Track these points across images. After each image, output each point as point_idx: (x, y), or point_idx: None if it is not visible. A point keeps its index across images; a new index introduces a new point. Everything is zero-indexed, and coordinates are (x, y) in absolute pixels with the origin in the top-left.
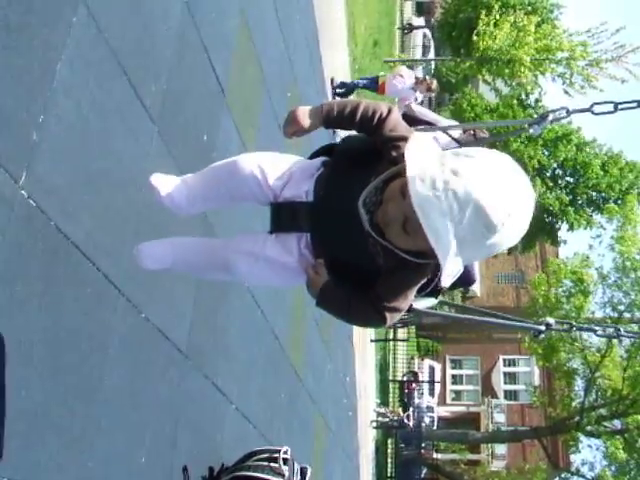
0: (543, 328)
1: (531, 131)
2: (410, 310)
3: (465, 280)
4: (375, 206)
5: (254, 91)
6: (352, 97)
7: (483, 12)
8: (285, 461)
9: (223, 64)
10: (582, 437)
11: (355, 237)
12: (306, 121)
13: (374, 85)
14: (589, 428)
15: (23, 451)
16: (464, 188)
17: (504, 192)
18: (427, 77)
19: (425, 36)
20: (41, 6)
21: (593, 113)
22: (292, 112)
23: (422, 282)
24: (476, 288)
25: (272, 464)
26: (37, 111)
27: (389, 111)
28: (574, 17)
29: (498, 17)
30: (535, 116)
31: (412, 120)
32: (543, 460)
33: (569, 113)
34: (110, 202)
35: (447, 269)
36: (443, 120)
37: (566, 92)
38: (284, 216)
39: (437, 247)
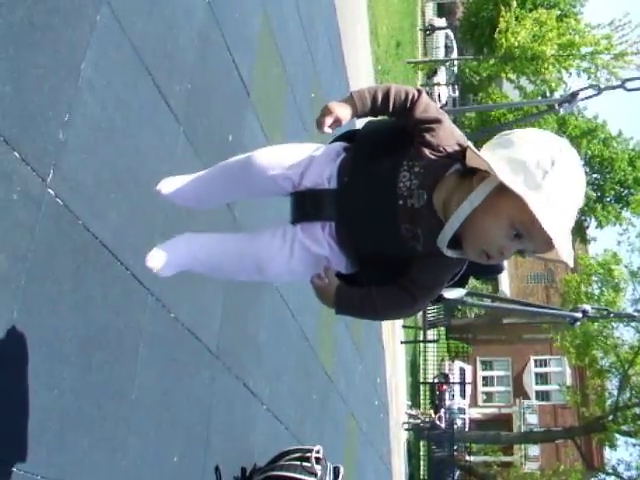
0: (580, 315)
1: (561, 111)
2: (440, 299)
3: (493, 269)
4: (410, 190)
5: (278, 91)
6: None
7: (503, 9)
8: (317, 460)
9: (247, 64)
10: (618, 436)
11: (384, 224)
12: (342, 112)
13: None
14: (624, 427)
15: (56, 450)
16: (561, 172)
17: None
18: None
19: (447, 37)
20: (65, 5)
21: (625, 89)
22: (327, 106)
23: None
24: (506, 289)
25: (304, 463)
26: (63, 110)
27: (419, 92)
28: (596, 9)
29: (518, 13)
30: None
31: None
32: (577, 461)
33: (600, 90)
34: (137, 201)
35: (568, 257)
36: None
37: (592, 87)
38: (307, 205)
39: (561, 249)
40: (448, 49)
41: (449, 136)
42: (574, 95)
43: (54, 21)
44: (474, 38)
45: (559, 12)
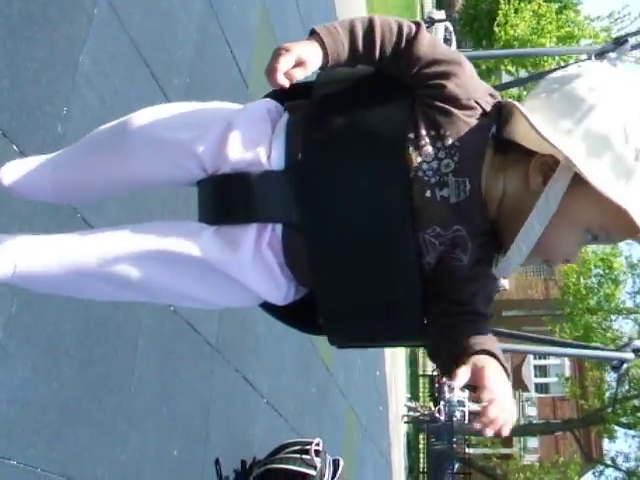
0: (631, 356)
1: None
2: None
3: None
4: (441, 175)
5: None
6: None
7: (502, 1)
8: (317, 453)
9: (245, 57)
10: (616, 428)
11: (385, 229)
12: (307, 52)
13: None
14: (623, 419)
15: (56, 443)
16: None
17: None
18: None
19: (447, 30)
20: None
21: None
22: (280, 46)
23: None
24: (505, 282)
25: (304, 456)
26: (61, 103)
27: (418, 25)
28: (595, 1)
29: (517, 5)
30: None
31: None
32: (576, 453)
33: None
34: (135, 193)
35: None
36: None
37: None
38: (230, 198)
39: None
40: (447, 42)
41: (478, 83)
42: (620, 42)
43: (51, 14)
44: (473, 31)
45: (558, 4)
